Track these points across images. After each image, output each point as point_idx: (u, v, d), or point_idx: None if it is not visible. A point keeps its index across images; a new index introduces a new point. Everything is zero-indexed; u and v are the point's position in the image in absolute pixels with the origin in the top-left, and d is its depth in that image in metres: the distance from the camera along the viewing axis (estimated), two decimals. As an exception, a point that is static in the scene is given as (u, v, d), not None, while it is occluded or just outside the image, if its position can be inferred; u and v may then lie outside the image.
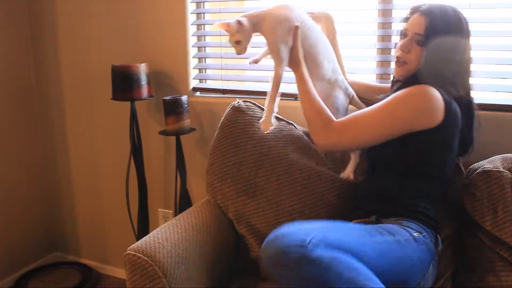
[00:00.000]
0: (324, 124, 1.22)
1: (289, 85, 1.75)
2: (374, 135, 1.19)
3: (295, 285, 0.92)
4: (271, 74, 1.29)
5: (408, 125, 1.17)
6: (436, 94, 1.17)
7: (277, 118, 1.51)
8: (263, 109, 1.51)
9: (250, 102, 1.54)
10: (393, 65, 1.58)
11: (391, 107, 1.18)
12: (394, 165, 1.24)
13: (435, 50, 1.20)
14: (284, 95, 1.76)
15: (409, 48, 1.24)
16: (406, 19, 1.29)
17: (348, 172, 1.37)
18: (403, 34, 1.27)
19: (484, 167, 1.26)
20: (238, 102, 1.52)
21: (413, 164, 1.22)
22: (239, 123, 1.47)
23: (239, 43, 1.19)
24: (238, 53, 1.21)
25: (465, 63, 1.27)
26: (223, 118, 1.50)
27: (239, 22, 1.18)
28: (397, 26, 1.58)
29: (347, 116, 1.24)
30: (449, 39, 1.21)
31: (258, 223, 1.39)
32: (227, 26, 1.19)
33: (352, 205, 1.35)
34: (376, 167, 1.32)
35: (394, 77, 1.37)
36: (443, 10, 1.23)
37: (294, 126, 1.52)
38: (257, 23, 1.22)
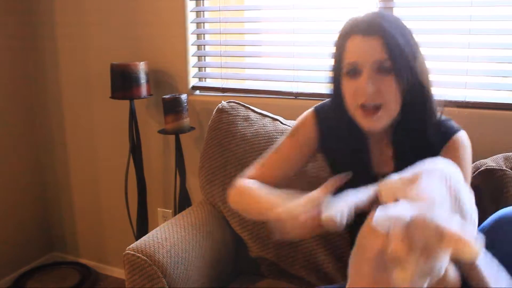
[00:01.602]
0: None
1: (279, 84, 1.75)
2: None
3: None
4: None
5: None
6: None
7: (262, 114, 1.53)
8: (248, 108, 1.52)
9: (234, 102, 1.55)
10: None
11: None
12: None
13: (413, 74, 0.93)
14: (271, 92, 1.77)
15: (378, 84, 0.90)
16: (340, 48, 0.95)
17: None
18: (353, 70, 0.92)
19: (487, 165, 1.25)
20: (222, 103, 1.54)
21: None
22: (223, 123, 1.49)
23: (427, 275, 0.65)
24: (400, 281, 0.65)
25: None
26: (210, 120, 1.54)
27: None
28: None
29: None
30: (416, 53, 0.95)
31: (249, 221, 1.40)
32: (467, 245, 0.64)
33: None
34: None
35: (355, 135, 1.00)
36: (387, 18, 0.94)
37: (280, 122, 1.52)
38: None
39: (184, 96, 1.73)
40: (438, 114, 1.00)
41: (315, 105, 1.10)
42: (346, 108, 0.97)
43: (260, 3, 1.88)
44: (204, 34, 1.90)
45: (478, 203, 1.24)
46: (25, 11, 2.13)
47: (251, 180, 1.07)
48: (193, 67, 1.90)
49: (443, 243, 0.59)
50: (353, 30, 0.93)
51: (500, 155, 1.31)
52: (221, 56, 1.87)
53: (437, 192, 0.70)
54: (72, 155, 2.23)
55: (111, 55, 1.96)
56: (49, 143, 2.26)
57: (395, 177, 0.78)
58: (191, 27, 1.86)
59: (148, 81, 1.81)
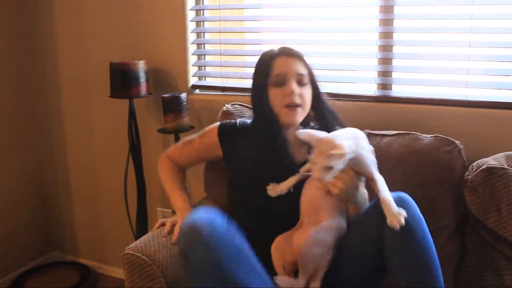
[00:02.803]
0: None
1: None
2: None
3: None
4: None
5: None
6: None
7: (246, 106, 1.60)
8: (251, 109, 1.54)
9: (239, 104, 1.59)
10: (379, 67, 1.60)
11: None
12: None
13: (317, 85, 1.29)
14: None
15: (301, 90, 1.24)
16: (267, 66, 1.26)
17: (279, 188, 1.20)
18: (281, 80, 1.24)
19: (488, 164, 1.25)
20: (227, 106, 1.58)
21: None
22: None
23: (331, 168, 1.03)
24: (317, 178, 1.05)
25: None
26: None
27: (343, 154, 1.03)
28: (399, 23, 1.59)
29: None
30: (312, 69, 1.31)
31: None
32: (339, 148, 1.03)
33: None
34: None
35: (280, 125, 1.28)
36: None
37: None
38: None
39: (183, 95, 1.72)
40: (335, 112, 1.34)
41: (220, 122, 1.40)
42: (270, 112, 1.26)
43: (260, 2, 1.87)
44: (204, 32, 1.90)
45: (479, 201, 1.25)
46: (24, 9, 2.12)
47: (170, 163, 1.44)
48: (192, 65, 1.89)
49: (334, 149, 1.02)
50: (279, 53, 1.27)
51: (501, 153, 1.31)
52: (220, 55, 1.86)
53: (341, 133, 1.12)
54: (71, 155, 2.22)
55: (110, 54, 1.95)
56: (48, 143, 2.25)
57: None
58: (190, 26, 1.85)
59: (147, 80, 1.80)
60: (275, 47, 1.30)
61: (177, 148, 1.46)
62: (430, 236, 1.04)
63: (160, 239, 1.25)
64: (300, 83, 1.25)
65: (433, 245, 1.04)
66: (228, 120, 1.43)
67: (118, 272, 2.20)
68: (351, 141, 1.07)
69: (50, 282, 2.13)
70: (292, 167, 1.22)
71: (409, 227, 1.00)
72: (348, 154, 1.03)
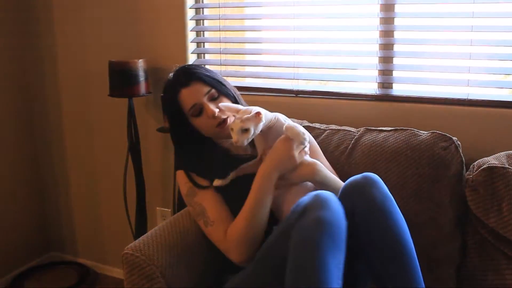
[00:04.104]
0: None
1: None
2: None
3: None
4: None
5: None
6: None
7: None
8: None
9: None
10: (379, 66, 1.58)
11: None
12: None
13: (226, 90, 1.29)
14: (271, 90, 1.76)
15: (217, 104, 1.23)
16: (175, 105, 1.26)
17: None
18: (197, 110, 1.24)
19: (489, 164, 1.24)
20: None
21: None
22: None
23: (248, 131, 1.10)
24: (236, 142, 1.10)
25: None
26: None
27: (259, 114, 1.11)
28: (400, 21, 1.58)
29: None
30: (219, 76, 1.33)
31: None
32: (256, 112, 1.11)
33: None
34: None
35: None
36: (190, 67, 1.32)
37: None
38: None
39: (183, 94, 1.72)
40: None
41: (176, 166, 1.34)
42: (203, 138, 1.29)
43: (260, 0, 1.87)
44: (203, 31, 1.89)
45: (481, 201, 1.24)
46: (22, 8, 2.12)
47: (228, 229, 1.19)
48: (192, 64, 1.89)
49: (250, 114, 1.10)
50: (178, 87, 1.26)
51: (502, 153, 1.31)
52: (220, 53, 1.86)
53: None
54: (70, 154, 2.21)
55: (109, 53, 1.95)
56: (47, 142, 2.25)
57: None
58: (190, 24, 1.84)
59: (147, 79, 1.79)
60: (170, 84, 1.28)
61: (218, 229, 1.22)
62: (398, 212, 1.06)
63: (160, 239, 1.24)
64: (213, 98, 1.25)
65: (402, 219, 1.05)
66: (180, 158, 1.37)
67: (117, 272, 2.19)
68: (269, 113, 1.18)
69: (49, 282, 2.12)
70: (242, 162, 1.25)
71: (378, 204, 1.03)
72: (263, 118, 1.12)
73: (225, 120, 1.23)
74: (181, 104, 1.26)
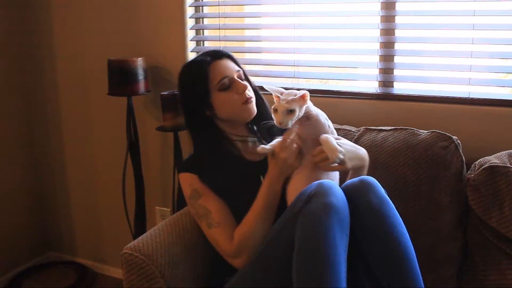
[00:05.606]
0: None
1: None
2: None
3: None
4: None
5: None
6: None
7: None
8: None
9: None
10: (380, 64, 1.58)
11: None
12: None
13: (249, 78, 1.33)
14: None
15: (247, 85, 1.27)
16: (203, 76, 1.25)
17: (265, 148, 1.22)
18: (226, 83, 1.25)
19: (491, 163, 1.23)
20: None
21: None
22: None
23: (293, 113, 1.11)
24: (280, 123, 1.11)
25: None
26: None
27: (304, 96, 1.12)
28: (401, 19, 1.57)
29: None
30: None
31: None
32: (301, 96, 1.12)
33: None
34: None
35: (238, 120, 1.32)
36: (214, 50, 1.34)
37: None
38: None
39: (182, 93, 1.71)
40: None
41: (179, 168, 1.33)
42: (213, 123, 1.30)
43: (260, -1, 1.86)
44: (203, 29, 1.88)
45: (482, 200, 1.24)
46: (21, 6, 2.11)
47: (235, 234, 1.20)
48: (192, 63, 1.88)
49: (295, 95, 1.12)
50: (209, 59, 1.27)
51: (504, 152, 1.30)
52: (220, 52, 1.85)
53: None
54: (69, 153, 2.21)
55: (108, 51, 1.94)
56: (45, 141, 2.24)
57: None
58: (190, 22, 1.84)
59: (146, 77, 1.78)
60: (200, 57, 1.30)
61: (224, 236, 1.22)
62: (396, 215, 1.06)
63: (159, 239, 1.23)
64: (241, 79, 1.29)
65: (401, 222, 1.05)
66: (184, 160, 1.39)
67: (116, 272, 2.19)
68: (313, 105, 1.19)
69: (48, 282, 2.12)
70: (252, 168, 1.26)
71: (374, 208, 1.03)
72: (308, 100, 1.13)
73: (251, 98, 1.27)
74: (209, 76, 1.25)
